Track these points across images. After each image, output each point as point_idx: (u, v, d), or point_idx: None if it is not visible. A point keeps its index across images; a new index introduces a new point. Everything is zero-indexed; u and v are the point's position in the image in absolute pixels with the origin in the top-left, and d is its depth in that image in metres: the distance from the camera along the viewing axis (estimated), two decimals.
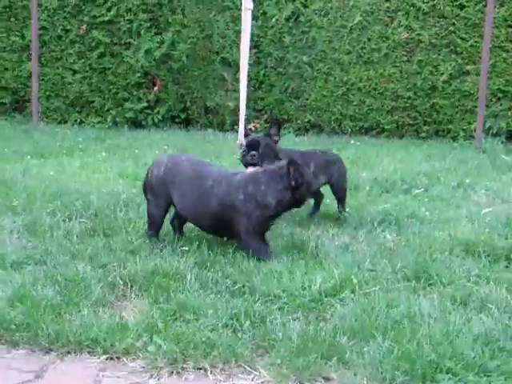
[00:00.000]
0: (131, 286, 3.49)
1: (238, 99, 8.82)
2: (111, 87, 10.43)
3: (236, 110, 9.68)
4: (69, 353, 2.81)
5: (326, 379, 2.61)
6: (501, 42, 9.28)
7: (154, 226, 4.27)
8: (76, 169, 6.70)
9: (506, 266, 3.90)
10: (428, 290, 3.56)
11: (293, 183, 3.92)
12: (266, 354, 2.80)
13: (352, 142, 9.05)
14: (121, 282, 3.50)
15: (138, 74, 10.30)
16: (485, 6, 8.74)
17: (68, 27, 10.44)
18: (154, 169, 4.26)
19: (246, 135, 5.13)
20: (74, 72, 10.54)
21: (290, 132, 9.88)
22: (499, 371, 2.53)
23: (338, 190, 5.06)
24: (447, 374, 2.54)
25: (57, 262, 3.74)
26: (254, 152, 4.65)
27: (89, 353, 2.80)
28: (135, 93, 10.38)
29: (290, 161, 3.96)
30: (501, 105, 9.39)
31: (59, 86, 10.61)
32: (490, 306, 3.23)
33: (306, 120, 10.10)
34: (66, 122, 10.56)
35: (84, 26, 10.36)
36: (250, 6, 7.65)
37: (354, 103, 9.92)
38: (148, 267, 3.67)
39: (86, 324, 2.93)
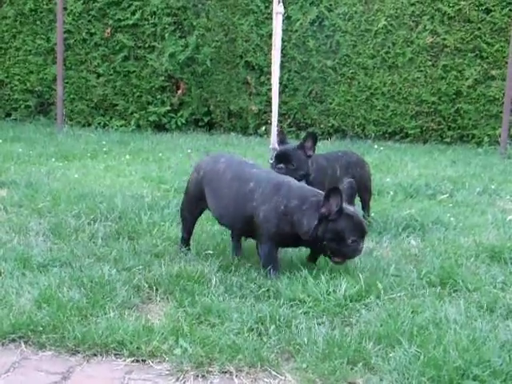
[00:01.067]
0: (156, 289, 3.49)
1: (261, 103, 8.86)
2: (135, 90, 10.50)
3: (259, 113, 9.73)
4: (95, 355, 2.81)
5: None
6: None
7: (185, 230, 4.18)
8: (100, 172, 6.74)
9: None
10: (454, 296, 3.53)
11: (324, 212, 3.56)
12: (292, 359, 2.79)
13: (375, 146, 9.03)
14: (146, 285, 3.51)
15: (162, 78, 10.36)
16: (511, 10, 8.67)
17: (92, 30, 10.53)
18: (194, 173, 4.11)
19: (281, 142, 4.88)
20: (98, 75, 10.62)
21: None
22: None
23: (362, 190, 4.79)
24: (474, 380, 2.51)
25: (82, 265, 3.76)
26: (281, 165, 4.47)
27: (115, 355, 2.81)
28: (159, 96, 10.44)
29: (333, 188, 3.57)
30: None
31: (83, 89, 10.70)
32: None
33: (330, 124, 10.10)
34: (89, 124, 10.65)
35: (108, 30, 10.44)
36: (281, 10, 7.61)
37: (378, 108, 9.89)
38: (173, 270, 3.68)
39: (111, 326, 2.93)
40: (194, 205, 4.11)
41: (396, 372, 2.62)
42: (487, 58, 9.42)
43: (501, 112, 8.88)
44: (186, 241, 4.18)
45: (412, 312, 3.20)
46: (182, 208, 4.21)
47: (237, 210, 3.80)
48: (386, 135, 9.96)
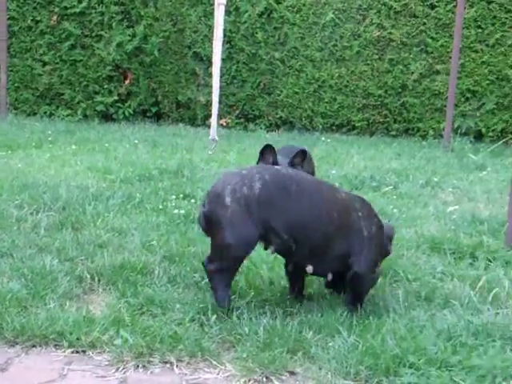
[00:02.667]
0: (99, 280, 3.48)
1: (210, 94, 8.85)
2: (82, 80, 10.36)
3: (208, 104, 9.70)
4: (34, 346, 2.79)
5: (291, 373, 2.63)
6: (470, 42, 9.39)
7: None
8: (45, 161, 6.65)
9: (471, 264, 3.96)
10: (394, 285, 3.60)
11: None
12: (232, 349, 2.81)
13: (323, 138, 9.10)
14: (88, 276, 3.49)
15: (109, 67, 10.25)
16: (455, 6, 8.81)
17: (38, 18, 10.34)
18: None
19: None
20: (44, 64, 10.44)
21: (261, 128, 9.91)
22: (461, 366, 2.57)
23: None
24: (410, 368, 2.57)
25: (23, 255, 3.71)
26: None
27: (54, 346, 2.79)
28: (106, 86, 10.32)
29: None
30: (469, 104, 9.51)
31: (28, 78, 10.51)
32: (454, 302, 3.27)
33: (278, 116, 10.13)
34: (35, 114, 10.47)
35: (55, 17, 10.27)
36: (223, 0, 7.65)
37: (326, 100, 9.97)
38: (116, 261, 3.67)
39: (51, 317, 2.91)
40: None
41: (335, 361, 2.66)
42: (432, 52, 9.56)
43: (445, 106, 9.03)
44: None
45: None
46: None
47: None
48: (334, 127, 10.04)
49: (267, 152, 3.82)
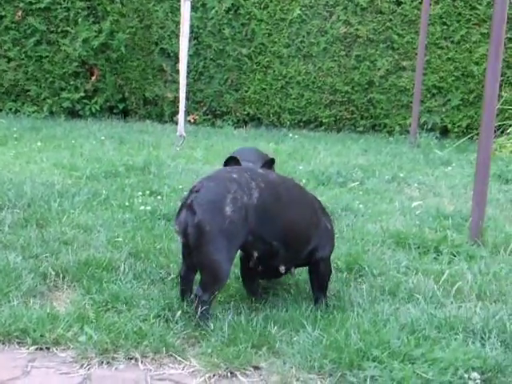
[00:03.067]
0: (63, 277, 3.46)
1: (177, 90, 8.81)
2: (48, 76, 10.24)
3: (175, 101, 9.66)
4: None
5: (256, 368, 2.64)
6: (436, 39, 9.48)
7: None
8: (10, 158, 6.57)
9: (435, 258, 4.01)
10: (359, 280, 3.64)
11: None
12: (198, 344, 2.82)
13: (290, 135, 9.13)
14: (53, 273, 3.46)
15: (76, 63, 10.14)
16: (421, 3, 8.88)
17: (2, 13, 10.18)
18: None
19: None
20: (9, 59, 10.29)
21: (228, 124, 9.91)
22: (424, 359, 2.60)
23: None
24: (373, 361, 2.60)
25: None
26: None
27: (18, 343, 2.77)
28: (72, 82, 10.22)
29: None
30: (435, 101, 9.61)
31: None
32: (418, 296, 3.32)
33: (245, 113, 10.13)
34: (0, 110, 10.34)
35: (19, 13, 10.13)
36: None
37: (293, 96, 9.99)
38: (81, 258, 3.65)
39: (15, 314, 2.89)
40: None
41: (299, 355, 2.68)
42: (398, 49, 9.64)
43: (411, 102, 9.10)
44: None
45: None
46: None
47: None
48: (301, 124, 10.06)
49: (232, 164, 3.67)
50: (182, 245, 3.04)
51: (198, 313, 2.87)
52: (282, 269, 3.19)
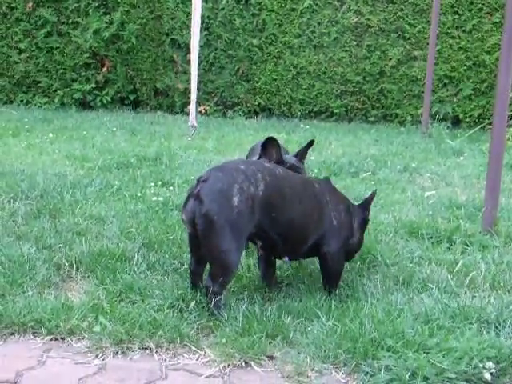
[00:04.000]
0: (77, 268, 3.46)
1: (188, 81, 8.82)
2: (59, 67, 10.28)
3: (186, 92, 9.67)
4: (12, 334, 2.78)
5: (270, 358, 2.64)
6: (447, 28, 9.44)
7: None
8: (22, 150, 6.60)
9: (448, 248, 3.99)
10: (372, 270, 3.62)
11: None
12: (212, 334, 2.82)
13: (301, 125, 9.11)
14: (66, 264, 3.47)
15: (87, 55, 10.17)
16: None
17: (13, 5, 10.22)
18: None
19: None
20: (20, 51, 10.34)
21: (239, 115, 9.90)
22: (438, 348, 2.59)
23: None
24: (388, 351, 2.59)
25: (1, 243, 3.69)
26: None
27: (33, 334, 2.78)
28: (83, 73, 10.25)
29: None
30: (447, 90, 9.57)
31: (4, 65, 10.41)
32: (431, 286, 3.30)
33: (256, 103, 10.13)
34: (11, 102, 10.38)
35: (30, 4, 10.16)
36: None
37: (304, 87, 9.97)
38: (94, 249, 3.65)
39: (30, 305, 2.90)
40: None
41: (313, 345, 2.68)
42: (409, 38, 9.60)
43: (422, 92, 9.07)
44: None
45: None
46: None
47: None
48: (312, 114, 10.05)
49: (270, 146, 3.48)
50: (189, 235, 3.04)
51: (211, 304, 2.88)
52: (286, 259, 3.24)
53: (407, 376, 2.46)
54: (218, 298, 2.89)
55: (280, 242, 3.07)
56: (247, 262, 3.49)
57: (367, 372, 2.54)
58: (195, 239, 2.96)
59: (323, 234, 3.20)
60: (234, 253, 2.89)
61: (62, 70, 10.27)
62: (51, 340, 2.74)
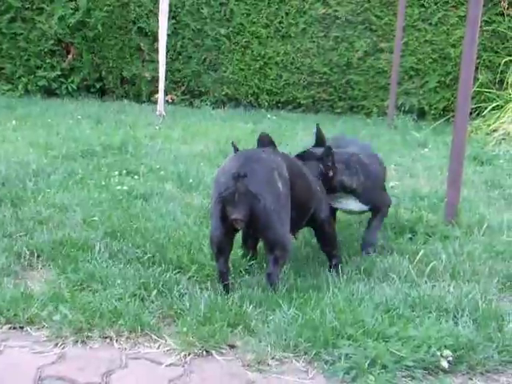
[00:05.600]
0: (38, 256, 3.44)
1: (154, 70, 8.78)
2: (23, 54, 10.12)
3: (153, 80, 9.61)
4: None
5: (231, 347, 2.65)
6: (413, 21, 9.49)
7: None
8: None
9: (410, 238, 4.03)
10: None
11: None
12: (173, 323, 2.82)
13: (268, 116, 9.11)
14: (27, 252, 3.44)
15: (52, 41, 10.02)
16: None
17: None
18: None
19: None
20: None
21: (206, 105, 9.87)
22: (397, 337, 2.62)
23: None
24: (348, 340, 2.61)
25: None
26: None
27: None
28: (48, 60, 10.11)
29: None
30: (413, 83, 9.63)
31: None
32: (393, 275, 3.34)
33: (223, 93, 10.09)
34: None
35: None
36: None
37: (271, 77, 9.96)
38: (56, 237, 3.62)
39: None
40: None
41: (274, 334, 2.69)
42: (376, 30, 9.64)
43: (389, 84, 9.12)
44: None
45: (294, 276, 3.30)
46: None
47: None
48: (279, 105, 10.05)
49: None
50: (243, 232, 3.35)
51: (277, 288, 3.04)
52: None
53: (366, 364, 2.49)
54: (279, 279, 3.10)
55: (294, 215, 3.18)
56: (210, 252, 3.48)
57: (327, 360, 2.56)
58: (253, 232, 3.25)
59: (318, 203, 3.41)
60: (289, 234, 3.15)
61: (26, 57, 10.12)
62: (10, 329, 2.72)
